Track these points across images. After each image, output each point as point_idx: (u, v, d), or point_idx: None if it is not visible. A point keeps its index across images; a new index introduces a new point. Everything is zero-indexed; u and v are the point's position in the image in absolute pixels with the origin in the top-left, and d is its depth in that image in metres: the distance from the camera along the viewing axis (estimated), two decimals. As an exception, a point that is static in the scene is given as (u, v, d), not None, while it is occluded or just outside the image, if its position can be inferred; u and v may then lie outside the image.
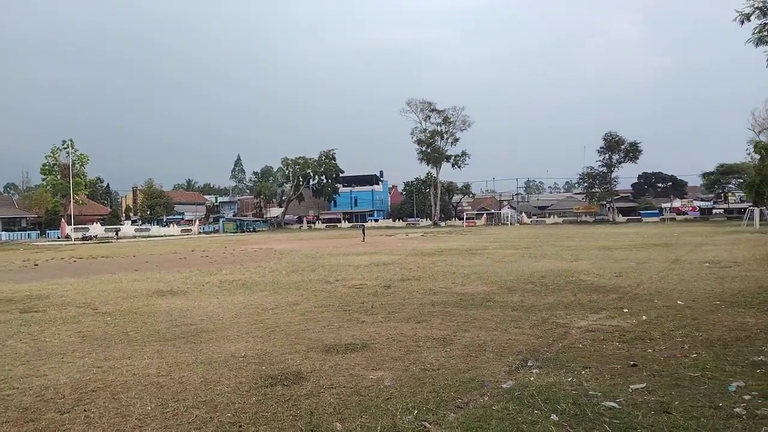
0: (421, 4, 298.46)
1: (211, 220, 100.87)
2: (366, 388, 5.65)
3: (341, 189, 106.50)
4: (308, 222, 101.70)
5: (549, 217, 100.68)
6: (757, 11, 8.48)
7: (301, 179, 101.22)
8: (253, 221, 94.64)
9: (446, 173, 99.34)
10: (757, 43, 8.50)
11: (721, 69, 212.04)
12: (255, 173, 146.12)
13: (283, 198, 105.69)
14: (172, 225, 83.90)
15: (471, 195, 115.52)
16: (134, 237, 67.94)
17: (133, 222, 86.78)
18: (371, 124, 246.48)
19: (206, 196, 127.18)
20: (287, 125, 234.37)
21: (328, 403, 5.21)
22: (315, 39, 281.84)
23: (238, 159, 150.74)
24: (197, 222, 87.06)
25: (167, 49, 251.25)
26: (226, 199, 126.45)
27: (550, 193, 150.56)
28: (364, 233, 45.00)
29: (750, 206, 54.09)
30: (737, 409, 4.68)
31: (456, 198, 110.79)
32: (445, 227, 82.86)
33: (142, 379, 6.21)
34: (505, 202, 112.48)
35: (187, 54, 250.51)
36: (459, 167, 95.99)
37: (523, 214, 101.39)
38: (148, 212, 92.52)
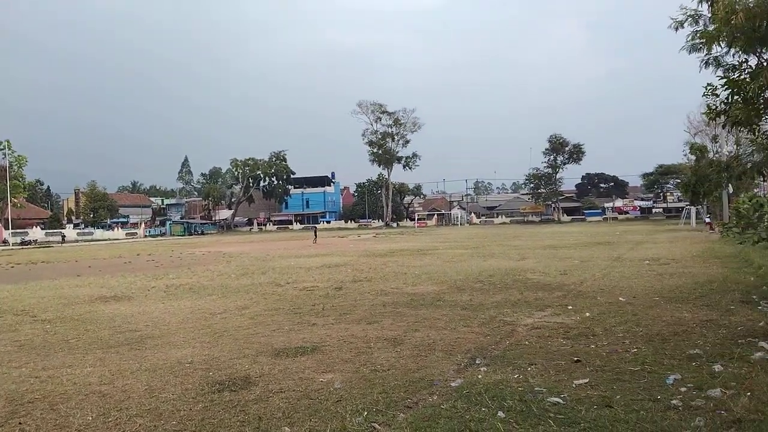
0: (372, 6, 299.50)
1: (158, 223, 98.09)
2: (316, 391, 5.62)
3: (292, 190, 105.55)
4: (259, 224, 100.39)
5: (497, 217, 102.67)
6: (690, 19, 8.90)
7: (251, 181, 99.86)
8: (201, 224, 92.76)
9: (398, 174, 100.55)
10: (689, 51, 8.91)
11: (661, 73, 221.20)
12: (203, 175, 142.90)
13: (233, 200, 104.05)
14: (116, 228, 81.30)
15: (422, 196, 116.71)
16: (77, 241, 65.48)
17: (76, 225, 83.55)
18: (323, 125, 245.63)
19: (152, 199, 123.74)
20: (237, 126, 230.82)
21: (277, 408, 5.16)
22: (266, 38, 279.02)
23: (186, 160, 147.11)
24: (143, 225, 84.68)
25: (114, 44, 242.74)
26: (173, 201, 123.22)
27: (498, 193, 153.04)
28: (315, 235, 44.76)
29: (687, 205, 56.63)
30: (674, 401, 4.87)
31: (407, 199, 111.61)
32: (396, 228, 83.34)
33: (82, 388, 5.99)
34: (455, 203, 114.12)
35: (134, 50, 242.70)
36: (410, 169, 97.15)
37: (473, 214, 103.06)
38: (92, 215, 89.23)
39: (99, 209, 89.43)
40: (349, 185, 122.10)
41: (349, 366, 6.54)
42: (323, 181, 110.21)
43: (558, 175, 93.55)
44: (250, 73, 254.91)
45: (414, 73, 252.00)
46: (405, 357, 6.87)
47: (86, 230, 77.08)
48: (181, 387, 5.92)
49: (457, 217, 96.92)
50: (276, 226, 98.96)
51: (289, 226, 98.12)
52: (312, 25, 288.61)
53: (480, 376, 5.88)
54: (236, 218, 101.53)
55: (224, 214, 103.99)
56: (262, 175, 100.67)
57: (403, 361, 6.66)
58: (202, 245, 44.34)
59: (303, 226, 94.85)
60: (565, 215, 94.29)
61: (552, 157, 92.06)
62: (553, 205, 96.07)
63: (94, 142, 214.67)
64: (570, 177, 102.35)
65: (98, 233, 75.21)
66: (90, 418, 5.06)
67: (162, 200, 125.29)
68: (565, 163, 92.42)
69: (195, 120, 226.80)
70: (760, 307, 9.35)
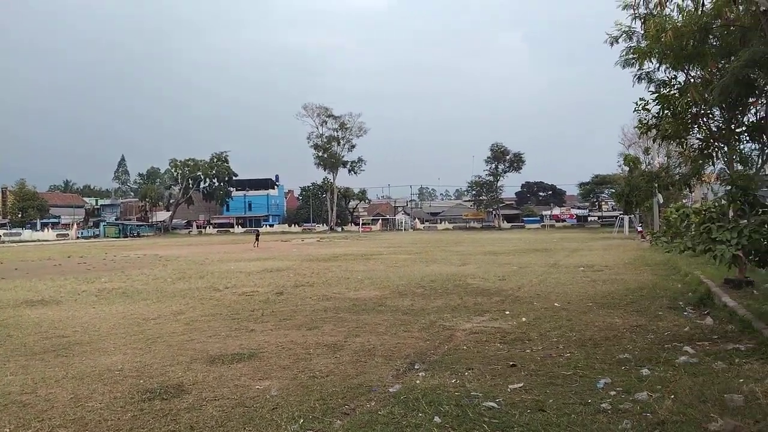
0: (316, 6, 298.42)
1: (91, 224, 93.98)
2: (251, 398, 5.50)
3: (234, 193, 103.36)
4: (198, 227, 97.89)
5: (440, 223, 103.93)
6: (624, 35, 9.29)
7: (190, 182, 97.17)
8: (137, 225, 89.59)
9: (343, 179, 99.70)
10: (623, 66, 9.30)
11: (598, 86, 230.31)
12: (140, 175, 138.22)
13: (171, 201, 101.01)
14: (46, 229, 77.39)
15: (367, 201, 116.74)
16: (2, 242, 62.00)
17: (2, 226, 79.08)
18: (267, 128, 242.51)
19: (86, 199, 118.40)
20: (176, 128, 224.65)
21: (210, 416, 5.01)
22: (199, 40, 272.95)
23: (122, 160, 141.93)
24: (75, 226, 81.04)
25: (41, 46, 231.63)
26: (107, 201, 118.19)
27: (442, 200, 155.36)
28: (257, 238, 43.97)
29: (620, 214, 58.93)
30: (604, 405, 5.03)
31: (352, 203, 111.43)
32: (341, 232, 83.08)
33: (1, 398, 5.65)
34: (399, 208, 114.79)
35: (63, 51, 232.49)
36: (355, 173, 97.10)
37: (417, 220, 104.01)
38: (20, 215, 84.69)
39: (28, 209, 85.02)
40: (293, 188, 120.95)
41: (287, 373, 6.44)
42: (267, 183, 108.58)
43: (499, 183, 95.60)
44: (204, 66, 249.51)
45: (360, 77, 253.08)
46: (344, 363, 6.82)
47: (13, 231, 73.04)
48: (109, 395, 5.67)
49: (402, 223, 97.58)
50: (216, 229, 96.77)
51: (231, 230, 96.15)
52: (239, 24, 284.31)
53: (418, 382, 5.90)
54: (174, 220, 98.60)
55: (162, 215, 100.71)
56: (202, 176, 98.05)
57: (343, 367, 6.61)
58: (137, 248, 42.82)
59: (245, 229, 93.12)
60: (505, 222, 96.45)
61: (493, 165, 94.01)
62: (494, 212, 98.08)
63: (27, 133, 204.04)
64: (510, 185, 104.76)
65: (27, 234, 71.34)
66: (8, 430, 4.76)
67: (96, 200, 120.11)
68: (506, 172, 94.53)
69: (128, 124, 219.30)
70: (685, 313, 9.81)
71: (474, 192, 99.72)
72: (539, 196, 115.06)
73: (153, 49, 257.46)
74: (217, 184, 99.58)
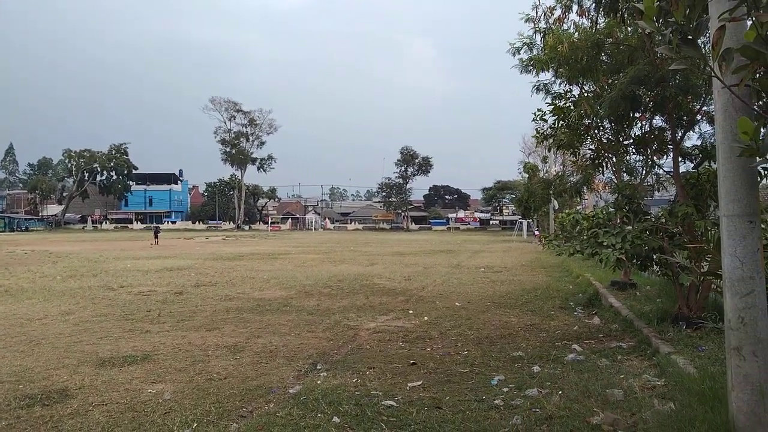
0: (226, 2, 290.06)
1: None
2: (142, 403, 5.24)
3: (134, 187, 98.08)
4: (94, 222, 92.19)
5: (351, 223, 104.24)
6: (525, 46, 9.75)
7: (86, 174, 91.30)
8: (26, 219, 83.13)
9: (252, 176, 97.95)
10: (521, 71, 9.77)
11: (503, 96, 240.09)
12: (30, 165, 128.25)
13: (64, 194, 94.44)
14: None
15: (277, 199, 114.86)
16: None
17: None
18: (172, 120, 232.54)
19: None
20: (71, 118, 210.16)
21: (96, 422, 4.73)
22: (119, 26, 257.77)
23: (11, 148, 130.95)
24: (-50, 218, 73.86)
25: None
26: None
27: (353, 200, 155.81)
28: (156, 236, 41.97)
29: (519, 219, 61.80)
30: (497, 401, 5.23)
31: (261, 202, 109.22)
32: (249, 231, 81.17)
33: None
34: (310, 208, 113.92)
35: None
36: (265, 171, 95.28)
37: (327, 219, 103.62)
38: None
39: None
40: (198, 184, 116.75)
41: (183, 375, 6.20)
42: (169, 178, 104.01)
43: (408, 186, 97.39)
44: (106, 60, 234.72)
45: (271, 74, 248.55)
46: (244, 365, 6.66)
47: None
48: (-20, 404, 5.20)
49: (312, 222, 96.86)
50: (114, 225, 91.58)
51: (129, 225, 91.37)
52: (141, 17, 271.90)
53: (319, 382, 5.88)
54: (68, 214, 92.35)
55: (54, 209, 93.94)
56: (99, 169, 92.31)
57: (242, 369, 6.45)
58: (25, 243, 39.69)
59: (145, 225, 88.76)
60: (413, 224, 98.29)
61: (403, 168, 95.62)
62: (403, 214, 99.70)
63: None
64: (419, 188, 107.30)
65: None
66: None
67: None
68: (414, 175, 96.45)
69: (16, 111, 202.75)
70: (575, 313, 10.43)
71: (384, 193, 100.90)
72: (446, 200, 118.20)
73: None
74: (115, 177, 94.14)
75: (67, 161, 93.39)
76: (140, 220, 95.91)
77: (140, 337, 8.32)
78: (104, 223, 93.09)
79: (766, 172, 5.23)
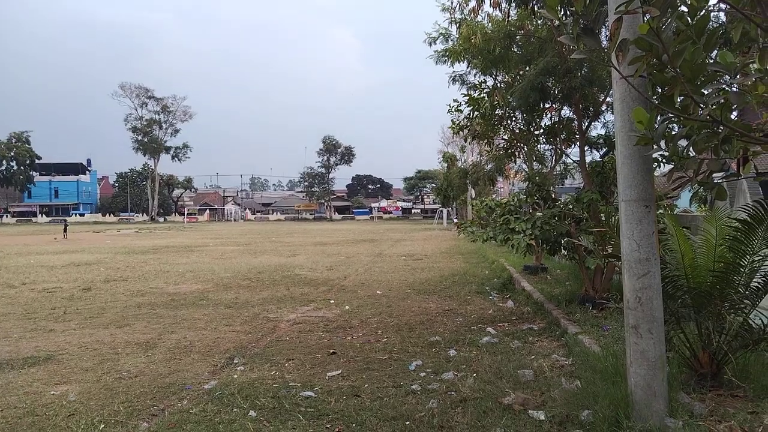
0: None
1: None
2: (44, 406, 4.92)
3: (38, 178, 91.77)
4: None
5: (273, 213, 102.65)
6: (441, 36, 9.87)
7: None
8: None
9: (166, 166, 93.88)
10: (436, 61, 9.90)
11: (425, 86, 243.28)
12: None
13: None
14: None
15: (193, 190, 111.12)
16: None
17: None
18: (79, 106, 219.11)
19: None
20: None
21: (-10, 431, 4.39)
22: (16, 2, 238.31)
23: None
24: None
25: None
26: None
27: (275, 190, 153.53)
28: (65, 229, 39.61)
29: (440, 207, 63.09)
30: (414, 386, 5.31)
31: (177, 192, 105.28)
32: (164, 223, 78.03)
33: None
34: (229, 198, 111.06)
35: None
36: (180, 160, 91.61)
37: (248, 210, 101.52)
38: None
39: None
40: (108, 174, 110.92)
41: (90, 375, 5.88)
42: (76, 168, 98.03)
43: (331, 175, 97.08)
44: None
45: (186, 60, 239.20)
46: (156, 362, 6.40)
47: None
48: None
49: (231, 213, 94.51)
50: (16, 218, 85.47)
51: (33, 219, 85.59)
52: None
53: (236, 376, 5.74)
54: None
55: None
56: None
57: (154, 366, 6.20)
58: None
59: (51, 218, 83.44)
60: (336, 214, 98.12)
61: (326, 157, 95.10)
62: (326, 204, 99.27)
63: None
64: (342, 177, 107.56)
65: None
66: None
67: None
68: (337, 164, 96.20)
69: None
70: (491, 297, 10.77)
71: (306, 183, 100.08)
72: (368, 189, 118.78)
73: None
74: (16, 167, 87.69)
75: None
76: (45, 213, 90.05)
77: (43, 336, 7.82)
78: (5, 216, 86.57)
79: (662, 160, 5.56)
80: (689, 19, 2.95)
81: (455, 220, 48.57)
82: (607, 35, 5.51)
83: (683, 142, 3.36)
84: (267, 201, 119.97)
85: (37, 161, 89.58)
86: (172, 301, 10.80)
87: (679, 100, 3.20)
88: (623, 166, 3.88)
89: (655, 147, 3.27)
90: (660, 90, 3.50)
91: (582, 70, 8.14)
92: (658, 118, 3.36)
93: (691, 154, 3.36)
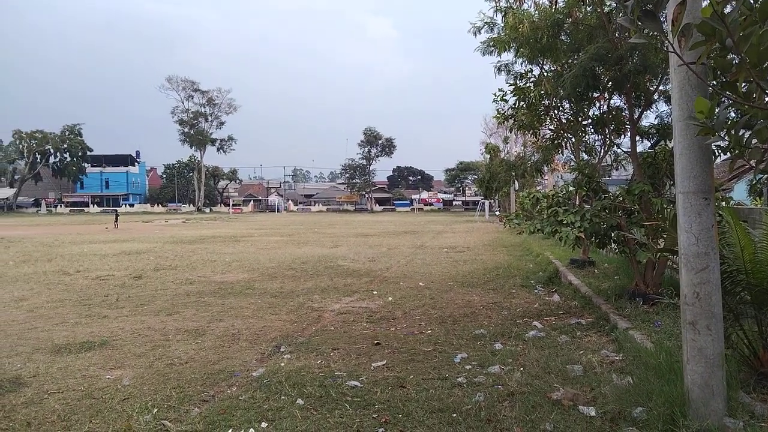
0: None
1: None
2: (100, 389, 5.11)
3: (89, 169, 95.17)
4: (48, 205, 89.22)
5: (314, 205, 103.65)
6: (486, 26, 9.70)
7: (38, 156, 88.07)
8: (-26, 203, 79.88)
9: (212, 158, 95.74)
10: (483, 53, 9.72)
11: (465, 76, 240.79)
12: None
13: (16, 177, 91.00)
14: None
15: (238, 181, 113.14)
16: None
17: None
18: (128, 101, 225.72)
19: None
20: (24, 99, 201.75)
21: (52, 411, 4.58)
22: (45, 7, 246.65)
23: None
24: None
25: None
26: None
27: (316, 182, 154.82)
28: (116, 219, 40.99)
29: (482, 199, 62.48)
30: (460, 379, 5.28)
31: (222, 184, 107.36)
32: (210, 214, 79.87)
33: None
34: (273, 190, 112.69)
35: None
36: (225, 152, 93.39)
37: (290, 201, 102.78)
38: None
39: None
40: (156, 166, 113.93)
41: (142, 361, 6.07)
42: (126, 160, 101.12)
43: (371, 167, 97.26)
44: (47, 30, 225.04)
45: (228, 54, 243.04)
46: (206, 349, 6.56)
47: None
48: (-75, 395, 4.98)
49: (275, 204, 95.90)
50: (69, 208, 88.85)
51: (85, 209, 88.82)
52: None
53: (283, 364, 5.83)
54: (20, 198, 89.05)
55: (5, 192, 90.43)
56: (52, 150, 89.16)
57: (204, 353, 6.35)
58: (-28, 228, 38.18)
59: (102, 209, 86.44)
60: (377, 205, 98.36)
61: (367, 149, 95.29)
62: (366, 195, 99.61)
63: None
64: (382, 169, 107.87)
65: None
66: None
67: None
68: (378, 156, 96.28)
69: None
70: (536, 291, 10.61)
71: (348, 175, 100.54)
72: (409, 181, 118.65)
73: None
74: (69, 159, 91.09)
75: (17, 143, 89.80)
76: (97, 203, 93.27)
77: (98, 322, 8.10)
78: (59, 206, 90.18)
79: (720, 151, 5.35)
80: (751, 1, 2.82)
81: (497, 213, 48.03)
82: (663, 21, 5.32)
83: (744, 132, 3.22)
84: (309, 192, 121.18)
85: (88, 153, 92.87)
86: (220, 289, 11.04)
87: (742, 87, 3.07)
88: (681, 156, 3.74)
89: (714, 137, 3.14)
90: (722, 76, 3.35)
91: (634, 57, 7.88)
92: (718, 106, 3.23)
93: (753, 143, 3.22)
